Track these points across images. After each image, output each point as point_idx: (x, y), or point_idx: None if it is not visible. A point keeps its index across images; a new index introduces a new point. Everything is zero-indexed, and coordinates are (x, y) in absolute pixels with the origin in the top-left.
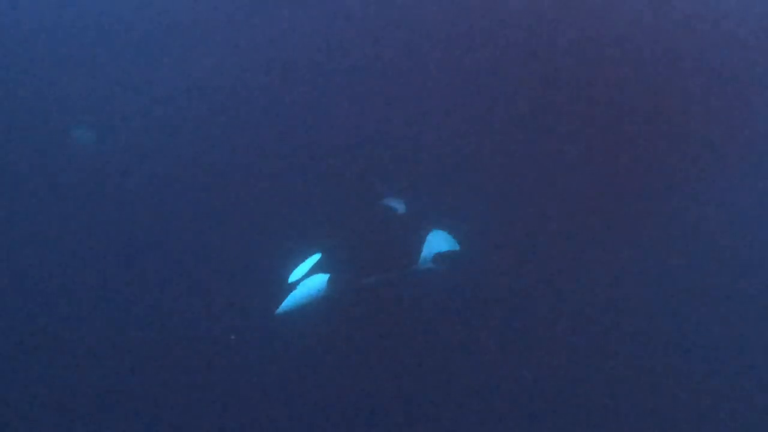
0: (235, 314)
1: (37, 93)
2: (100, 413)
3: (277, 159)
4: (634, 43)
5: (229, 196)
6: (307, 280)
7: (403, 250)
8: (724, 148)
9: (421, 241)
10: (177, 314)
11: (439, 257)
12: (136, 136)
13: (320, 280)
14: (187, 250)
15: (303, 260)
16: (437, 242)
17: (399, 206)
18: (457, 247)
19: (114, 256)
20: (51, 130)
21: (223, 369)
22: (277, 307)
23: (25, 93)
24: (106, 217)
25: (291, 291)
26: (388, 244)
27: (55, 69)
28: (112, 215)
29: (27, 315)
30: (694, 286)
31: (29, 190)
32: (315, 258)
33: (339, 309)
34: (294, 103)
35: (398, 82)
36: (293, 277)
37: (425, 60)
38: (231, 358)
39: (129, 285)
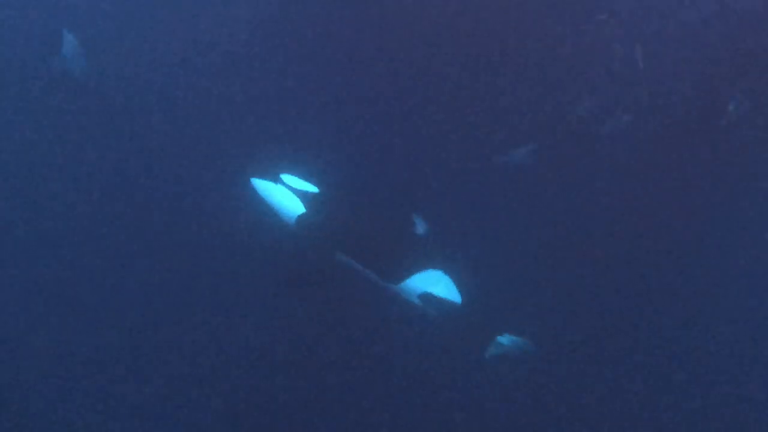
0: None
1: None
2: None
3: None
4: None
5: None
6: (288, 193)
7: (395, 261)
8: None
9: (417, 267)
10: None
11: (429, 298)
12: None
13: (296, 204)
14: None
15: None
16: (434, 282)
17: (421, 226)
18: (455, 298)
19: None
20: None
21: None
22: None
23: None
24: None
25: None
26: (383, 242)
27: None
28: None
29: None
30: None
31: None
32: (310, 189)
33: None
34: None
35: None
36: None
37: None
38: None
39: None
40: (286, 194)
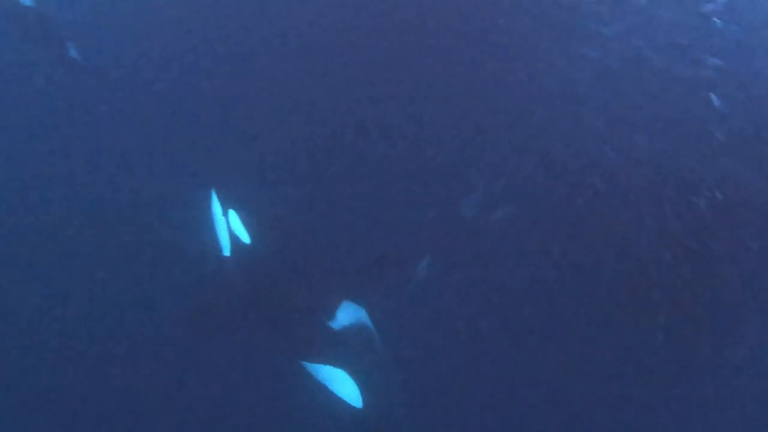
0: None
1: None
2: None
3: None
4: None
5: None
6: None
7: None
8: None
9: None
10: None
11: (326, 392)
12: None
13: (226, 245)
14: None
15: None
16: (336, 380)
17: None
18: (356, 402)
19: None
20: None
21: None
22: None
23: None
24: None
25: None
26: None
27: None
28: None
29: None
30: None
31: None
32: (243, 238)
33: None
34: None
35: None
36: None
37: None
38: None
39: None
40: (223, 230)
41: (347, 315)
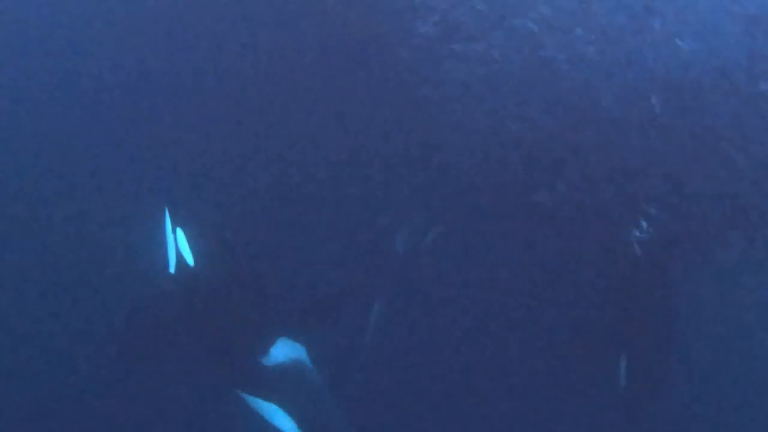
0: None
1: None
2: None
3: None
4: None
5: None
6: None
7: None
8: None
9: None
10: None
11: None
12: None
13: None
14: None
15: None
16: (272, 414)
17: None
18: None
19: None
20: None
21: None
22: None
23: None
24: None
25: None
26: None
27: None
28: None
29: None
30: None
31: None
32: (188, 258)
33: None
34: None
35: None
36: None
37: None
38: None
39: None
40: (172, 247)
41: (284, 350)
